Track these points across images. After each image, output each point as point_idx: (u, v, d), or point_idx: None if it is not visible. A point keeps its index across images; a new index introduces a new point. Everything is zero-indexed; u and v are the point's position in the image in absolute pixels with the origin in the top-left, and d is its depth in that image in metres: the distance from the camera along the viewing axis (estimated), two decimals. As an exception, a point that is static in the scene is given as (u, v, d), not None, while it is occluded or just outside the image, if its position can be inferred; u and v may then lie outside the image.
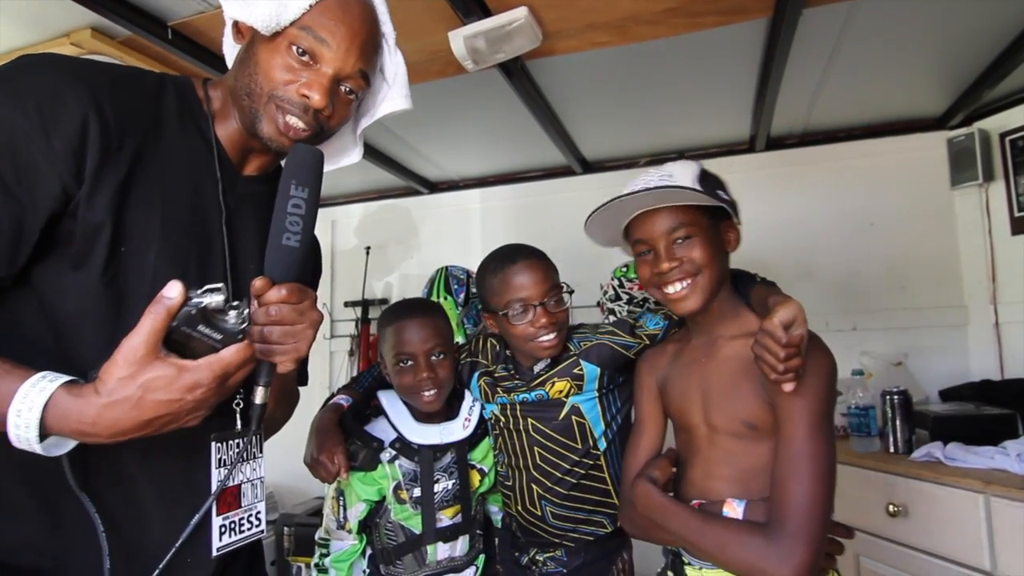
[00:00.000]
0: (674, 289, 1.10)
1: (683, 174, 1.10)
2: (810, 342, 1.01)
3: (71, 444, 0.67)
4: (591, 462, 1.32)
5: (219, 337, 0.69)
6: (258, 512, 0.90)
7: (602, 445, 1.32)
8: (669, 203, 1.09)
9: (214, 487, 0.84)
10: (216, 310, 0.68)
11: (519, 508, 1.36)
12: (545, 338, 1.27)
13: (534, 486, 1.33)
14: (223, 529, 0.85)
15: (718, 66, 1.97)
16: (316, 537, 1.38)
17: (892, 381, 2.09)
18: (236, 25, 0.88)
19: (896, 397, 1.93)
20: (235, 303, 0.69)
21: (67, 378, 0.66)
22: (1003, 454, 1.67)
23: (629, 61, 1.92)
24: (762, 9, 1.61)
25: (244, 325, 0.70)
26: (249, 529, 0.89)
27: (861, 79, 2.11)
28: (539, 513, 1.33)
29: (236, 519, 0.87)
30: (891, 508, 1.80)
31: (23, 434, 0.62)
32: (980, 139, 2.29)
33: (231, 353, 0.69)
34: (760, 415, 1.04)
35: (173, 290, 0.65)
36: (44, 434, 0.64)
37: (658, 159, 2.81)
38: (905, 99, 2.32)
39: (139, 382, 0.64)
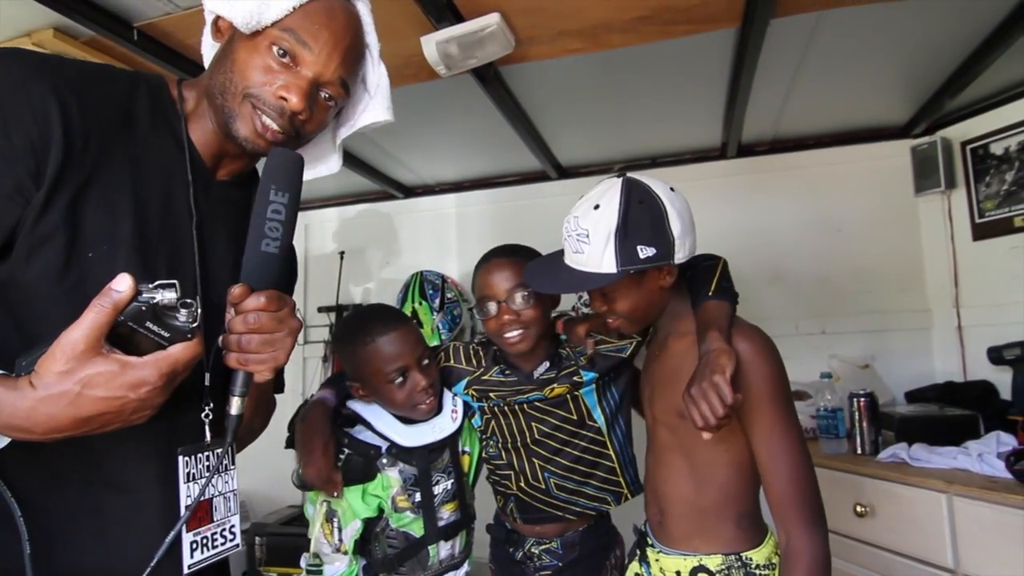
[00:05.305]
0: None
1: (598, 235, 1.07)
2: (739, 329, 1.07)
3: (4, 442, 0.63)
4: (590, 434, 1.35)
5: (167, 335, 0.65)
6: (232, 526, 0.86)
7: (598, 417, 1.35)
8: (573, 291, 1.17)
9: (183, 502, 0.79)
10: (167, 307, 0.64)
11: (521, 485, 1.37)
12: (509, 334, 1.28)
13: (535, 460, 1.36)
14: (195, 545, 0.80)
15: (690, 74, 2.00)
16: (304, 565, 1.30)
17: (859, 383, 2.13)
18: (216, 23, 0.85)
19: (863, 399, 1.97)
20: (187, 301, 0.65)
21: None
22: (965, 454, 1.72)
23: (602, 68, 1.93)
24: (731, 18, 1.63)
25: (194, 324, 0.65)
26: (223, 544, 0.84)
27: (828, 88, 2.15)
28: (543, 486, 1.36)
29: (208, 534, 0.82)
30: (859, 508, 1.84)
31: None
32: (942, 147, 2.36)
33: (179, 350, 0.65)
34: None
35: (122, 284, 0.60)
36: None
37: (632, 166, 2.84)
38: (871, 108, 2.38)
39: (77, 377, 0.60)
